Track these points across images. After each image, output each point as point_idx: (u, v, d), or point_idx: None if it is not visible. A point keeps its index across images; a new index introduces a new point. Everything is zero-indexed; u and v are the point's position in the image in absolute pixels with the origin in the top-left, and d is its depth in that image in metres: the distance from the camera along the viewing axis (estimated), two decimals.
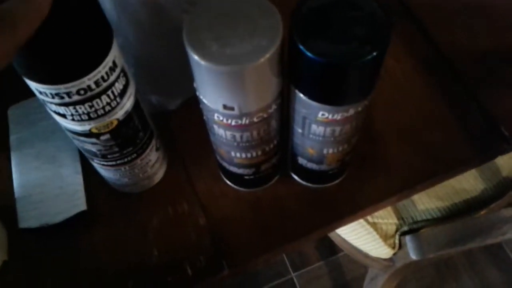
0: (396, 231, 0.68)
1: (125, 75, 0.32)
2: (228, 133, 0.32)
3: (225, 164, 0.38)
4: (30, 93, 0.47)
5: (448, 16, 0.52)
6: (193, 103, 0.44)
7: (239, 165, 0.37)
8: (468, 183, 0.68)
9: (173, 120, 0.46)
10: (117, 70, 0.31)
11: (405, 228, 0.67)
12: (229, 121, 0.30)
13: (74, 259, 0.40)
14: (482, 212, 0.67)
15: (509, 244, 1.18)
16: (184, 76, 0.42)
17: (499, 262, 1.15)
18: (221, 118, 0.30)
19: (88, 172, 0.43)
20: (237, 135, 0.32)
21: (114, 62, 0.30)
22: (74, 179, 0.42)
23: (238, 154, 0.35)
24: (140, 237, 0.40)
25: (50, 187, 0.42)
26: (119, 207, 0.42)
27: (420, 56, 0.49)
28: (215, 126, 0.32)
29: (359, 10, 0.27)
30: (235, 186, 0.42)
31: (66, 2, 0.24)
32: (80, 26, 0.26)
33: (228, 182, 0.42)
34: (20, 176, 0.42)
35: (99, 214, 0.41)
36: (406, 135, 0.44)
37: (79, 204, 0.41)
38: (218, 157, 0.38)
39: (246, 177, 0.39)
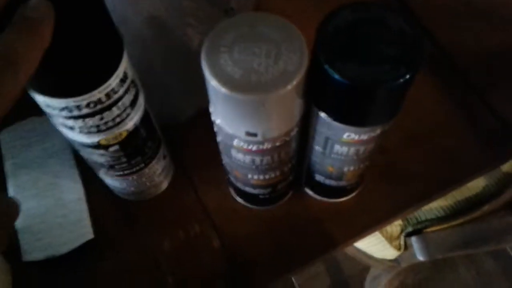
0: (401, 232, 0.67)
1: (135, 85, 0.30)
2: (248, 158, 0.30)
3: (239, 185, 0.37)
4: (21, 115, 0.45)
5: (451, 17, 0.50)
6: (198, 117, 0.43)
7: (255, 186, 0.36)
8: None
9: (176, 133, 0.44)
10: (128, 81, 0.29)
11: (410, 229, 0.67)
12: (250, 146, 0.29)
13: None
14: (485, 208, 0.67)
15: None
16: (189, 93, 0.40)
17: (496, 252, 1.17)
18: (241, 144, 0.29)
19: (92, 195, 0.41)
20: (257, 159, 0.30)
21: (124, 73, 0.28)
22: (78, 206, 0.40)
23: (255, 176, 0.34)
24: (152, 265, 0.39)
25: (53, 216, 0.39)
26: (127, 232, 0.40)
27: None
28: (233, 151, 0.30)
29: (387, 28, 0.25)
30: (247, 204, 0.41)
31: (75, 15, 0.23)
32: (90, 38, 0.25)
33: (240, 200, 0.41)
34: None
35: (107, 242, 0.39)
36: (418, 143, 0.43)
37: (85, 232, 0.39)
38: (232, 178, 0.37)
39: (261, 196, 0.38)
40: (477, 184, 0.68)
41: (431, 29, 0.49)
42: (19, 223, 0.39)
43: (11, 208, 0.21)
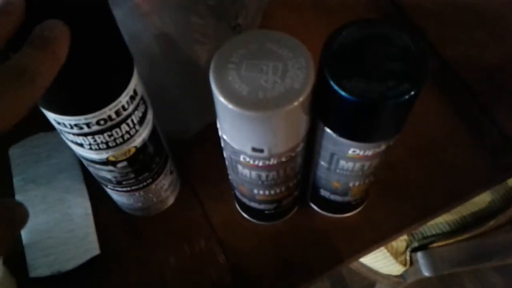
0: (407, 247, 0.67)
1: (144, 101, 0.31)
2: (254, 173, 0.31)
3: (245, 200, 0.37)
4: (30, 131, 0.46)
5: (455, 29, 0.51)
6: (205, 133, 0.43)
7: (260, 202, 0.36)
8: None
9: (183, 148, 0.44)
10: (137, 98, 0.29)
11: (416, 244, 0.66)
12: (257, 162, 0.29)
13: None
14: (491, 223, 0.67)
15: None
16: (197, 109, 0.41)
17: (501, 268, 1.15)
18: (247, 160, 0.29)
19: (99, 210, 0.41)
20: (263, 174, 0.31)
21: (134, 91, 0.29)
22: (85, 221, 0.40)
23: (261, 192, 0.34)
24: (158, 280, 0.39)
25: (60, 231, 0.40)
26: (133, 247, 0.40)
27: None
28: (240, 166, 0.31)
29: (392, 44, 0.26)
30: (253, 220, 0.41)
31: (87, 35, 0.23)
32: (102, 57, 0.25)
33: (245, 216, 0.41)
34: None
35: (113, 257, 0.40)
36: (422, 157, 0.44)
37: (92, 248, 0.39)
38: (238, 193, 0.37)
39: (267, 212, 0.38)
40: (482, 199, 0.68)
41: (434, 42, 0.50)
42: (26, 238, 0.40)
43: (18, 211, 0.21)
